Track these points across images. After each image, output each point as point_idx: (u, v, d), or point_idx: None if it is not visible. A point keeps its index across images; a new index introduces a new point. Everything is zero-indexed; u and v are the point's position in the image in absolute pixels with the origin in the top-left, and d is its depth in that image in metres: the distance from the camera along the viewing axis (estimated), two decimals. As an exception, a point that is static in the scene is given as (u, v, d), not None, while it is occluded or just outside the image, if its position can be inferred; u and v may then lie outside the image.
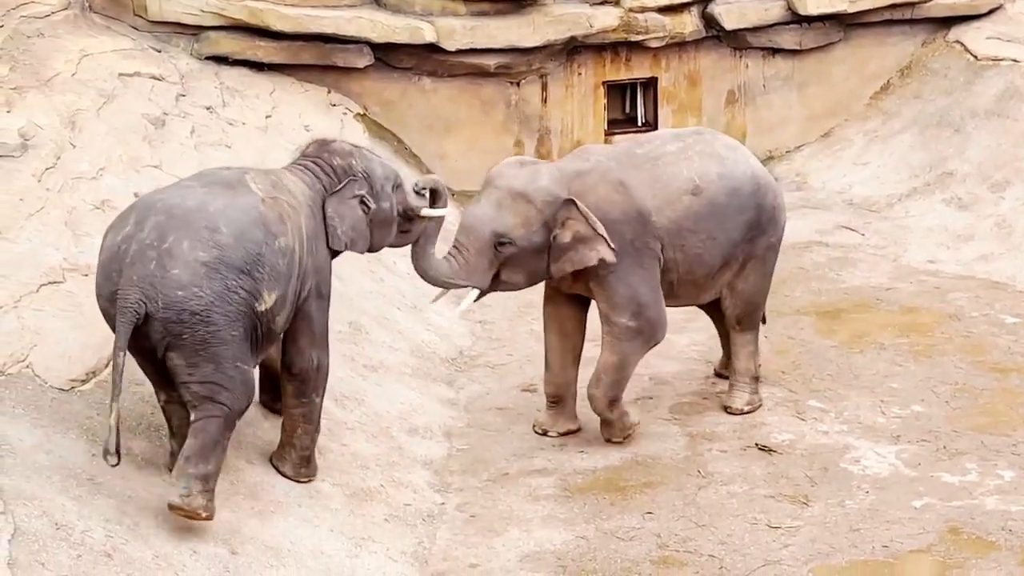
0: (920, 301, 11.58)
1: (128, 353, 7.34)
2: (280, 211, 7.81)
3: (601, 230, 8.79)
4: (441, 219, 8.85)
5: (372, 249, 8.64)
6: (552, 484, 9.07)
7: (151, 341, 7.46)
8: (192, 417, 7.56)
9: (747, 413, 9.77)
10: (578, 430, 9.50)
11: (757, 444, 9.43)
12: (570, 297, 9.32)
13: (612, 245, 8.81)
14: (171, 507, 7.42)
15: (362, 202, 8.35)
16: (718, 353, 10.31)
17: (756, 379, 9.85)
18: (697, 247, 9.18)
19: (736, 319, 9.69)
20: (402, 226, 8.73)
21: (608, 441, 9.35)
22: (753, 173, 9.43)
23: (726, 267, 9.39)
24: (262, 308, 7.61)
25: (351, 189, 8.32)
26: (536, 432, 9.55)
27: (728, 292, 9.58)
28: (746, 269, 9.52)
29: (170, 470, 7.95)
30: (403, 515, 8.64)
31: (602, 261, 8.83)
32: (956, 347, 10.74)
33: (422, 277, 8.95)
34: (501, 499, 8.90)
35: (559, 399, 9.48)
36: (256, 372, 7.98)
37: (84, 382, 8.16)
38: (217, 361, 7.47)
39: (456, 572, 8.22)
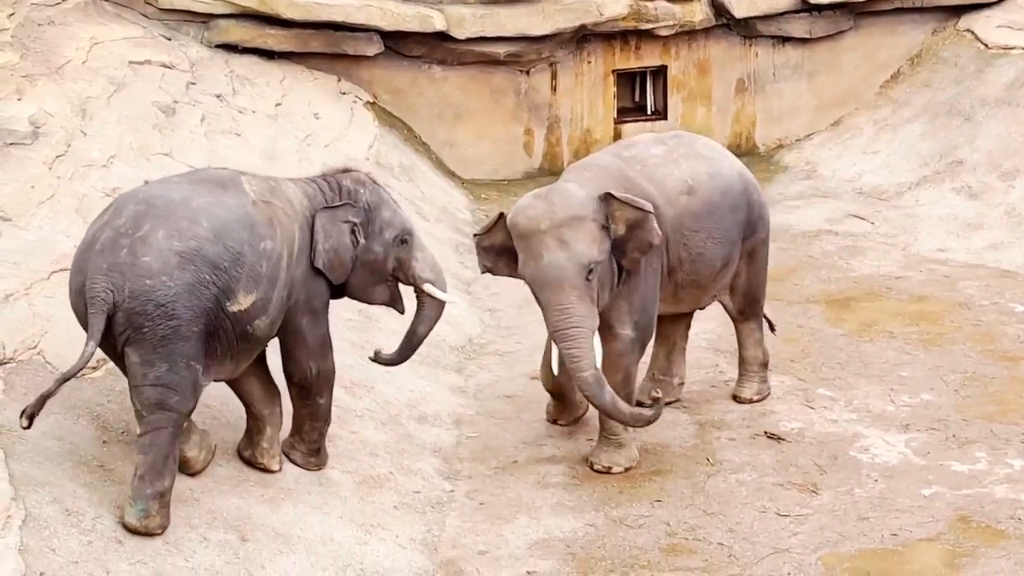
0: (930, 290, 11.58)
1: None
2: (271, 215, 7.67)
3: (647, 206, 8.52)
4: (441, 307, 8.47)
5: (351, 290, 8.24)
6: (561, 472, 9.08)
7: (113, 335, 7.29)
8: (140, 430, 7.36)
9: (756, 402, 9.77)
10: (584, 414, 9.46)
11: (766, 432, 9.44)
12: None
13: (656, 225, 8.55)
14: (128, 529, 7.28)
15: (352, 231, 8.07)
16: (727, 342, 10.30)
17: (765, 366, 9.85)
18: (699, 246, 9.09)
19: (738, 311, 9.70)
20: (393, 289, 8.39)
21: (607, 471, 8.93)
22: (739, 172, 9.43)
23: (726, 268, 9.33)
24: (235, 309, 7.44)
25: (345, 212, 8.05)
26: (548, 420, 9.54)
27: (728, 290, 9.58)
28: (741, 267, 9.52)
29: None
30: (412, 502, 8.65)
31: (653, 240, 8.57)
32: (966, 336, 10.74)
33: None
34: (510, 486, 8.92)
35: (562, 395, 9.38)
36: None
37: (94, 369, 8.17)
38: (172, 360, 7.29)
39: (465, 559, 8.24)
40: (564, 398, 9.37)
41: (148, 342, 7.26)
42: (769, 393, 9.84)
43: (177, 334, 7.26)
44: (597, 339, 8.50)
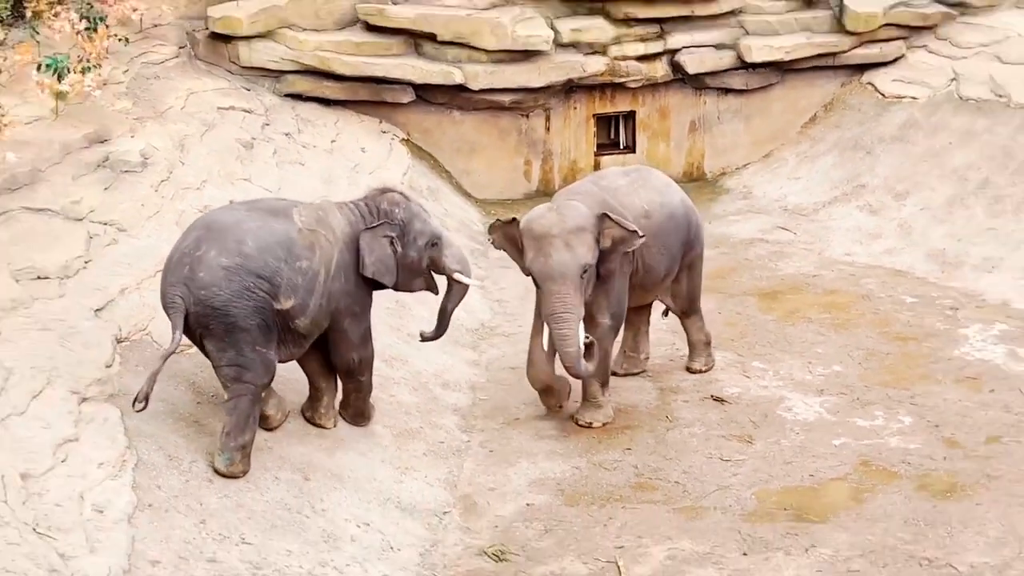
0: (839, 285, 11.56)
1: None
2: (313, 240, 7.62)
3: (632, 227, 8.55)
4: (466, 289, 8.39)
5: (398, 286, 8.16)
6: (553, 426, 9.06)
7: (192, 331, 7.41)
8: (226, 398, 7.43)
9: (704, 372, 9.75)
10: (569, 394, 9.10)
11: (712, 396, 9.43)
12: None
13: (641, 233, 8.57)
14: (217, 472, 7.32)
15: (391, 243, 7.99)
16: (683, 335, 10.25)
17: (708, 344, 9.81)
18: (651, 259, 9.05)
19: (682, 311, 9.68)
20: (429, 279, 8.30)
21: (588, 426, 8.89)
22: (682, 200, 9.40)
23: (667, 275, 9.30)
24: (279, 307, 7.43)
25: (383, 229, 7.96)
26: (551, 410, 9.11)
27: (672, 294, 9.54)
28: (682, 275, 9.48)
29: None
30: (438, 450, 8.64)
31: (634, 248, 8.63)
32: (867, 321, 10.72)
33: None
34: (514, 438, 8.91)
35: (549, 389, 8.96)
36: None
37: (190, 347, 8.14)
38: (238, 347, 7.33)
39: (479, 494, 8.23)
40: (550, 389, 9.01)
41: (216, 335, 7.34)
42: (714, 364, 9.82)
43: (237, 327, 7.30)
44: (581, 325, 8.48)
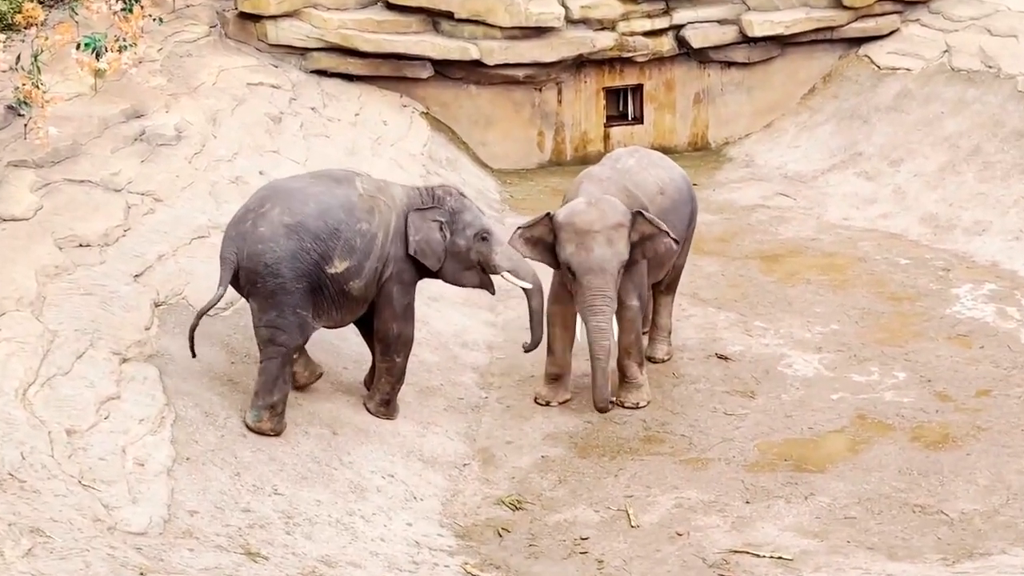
0: (837, 248, 11.52)
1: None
2: (373, 205, 7.54)
3: (664, 227, 8.31)
4: (538, 288, 8.07)
5: (445, 276, 7.92)
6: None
7: (240, 287, 7.33)
8: (260, 358, 7.38)
9: (666, 361, 9.21)
10: (570, 399, 8.71)
11: (716, 354, 9.41)
12: (572, 297, 8.56)
13: (673, 236, 8.33)
14: (248, 427, 7.32)
15: (440, 227, 7.78)
16: (687, 288, 10.21)
17: (670, 333, 9.33)
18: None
19: (667, 286, 9.24)
20: (482, 275, 8.03)
21: (636, 407, 8.54)
22: (683, 176, 9.20)
23: (678, 250, 9.00)
24: (332, 271, 7.33)
25: (433, 213, 7.77)
26: (539, 403, 8.67)
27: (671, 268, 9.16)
28: (682, 249, 9.15)
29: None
30: (457, 406, 8.66)
31: (668, 246, 8.38)
32: (864, 282, 10.68)
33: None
34: (529, 394, 8.90)
35: (559, 377, 8.69)
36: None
37: (224, 310, 8.19)
38: (280, 308, 7.23)
39: (496, 447, 8.25)
40: (561, 380, 8.70)
41: (261, 294, 7.26)
42: (673, 351, 9.32)
43: (283, 289, 7.22)
44: (614, 318, 8.27)
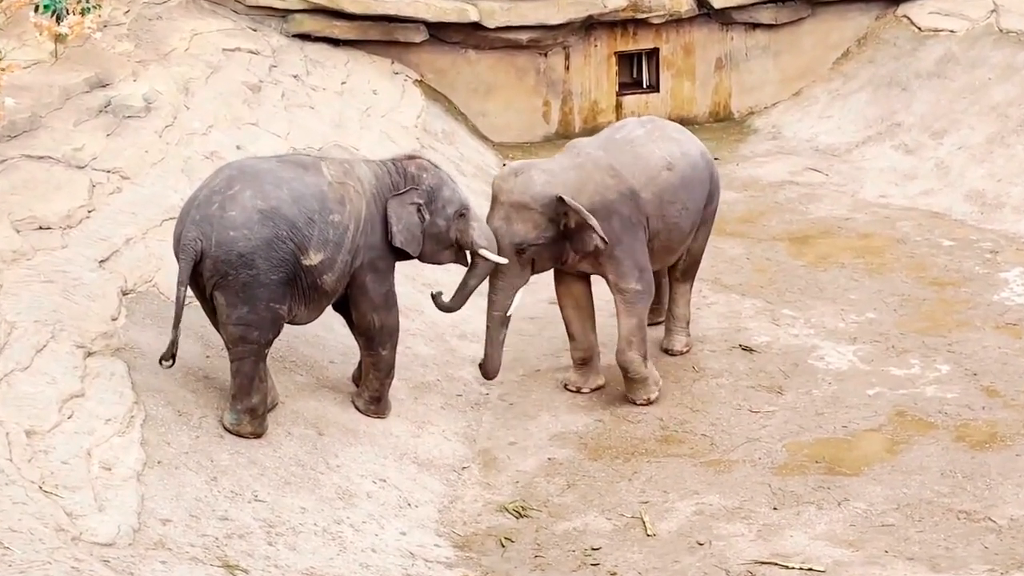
0: (873, 228, 11.51)
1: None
2: (343, 193, 7.52)
3: (592, 220, 8.24)
4: (490, 266, 8.22)
5: (424, 257, 8.02)
6: (575, 378, 9.06)
7: (203, 279, 7.23)
8: (230, 358, 7.34)
9: (685, 353, 9.25)
10: (604, 384, 8.86)
11: (740, 345, 9.42)
12: (577, 275, 8.76)
13: (601, 233, 8.25)
14: (225, 428, 7.33)
15: (419, 210, 7.81)
16: (707, 272, 10.21)
17: (689, 323, 9.37)
18: (675, 216, 8.74)
19: (682, 272, 9.23)
20: (458, 253, 8.15)
21: (648, 402, 8.62)
22: (702, 150, 9.14)
23: (691, 233, 9.00)
24: (307, 263, 7.32)
25: (411, 196, 7.79)
26: (569, 390, 8.84)
27: (685, 253, 9.15)
28: (699, 232, 9.17)
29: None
30: (455, 403, 8.67)
31: (596, 246, 8.31)
32: (902, 266, 10.68)
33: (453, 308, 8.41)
34: (534, 390, 8.92)
35: (587, 360, 8.82)
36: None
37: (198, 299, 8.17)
38: (253, 303, 7.19)
39: (498, 448, 8.26)
40: (588, 363, 8.84)
41: (231, 288, 7.18)
42: (692, 342, 9.37)
43: (256, 281, 7.16)
44: (519, 295, 8.50)
